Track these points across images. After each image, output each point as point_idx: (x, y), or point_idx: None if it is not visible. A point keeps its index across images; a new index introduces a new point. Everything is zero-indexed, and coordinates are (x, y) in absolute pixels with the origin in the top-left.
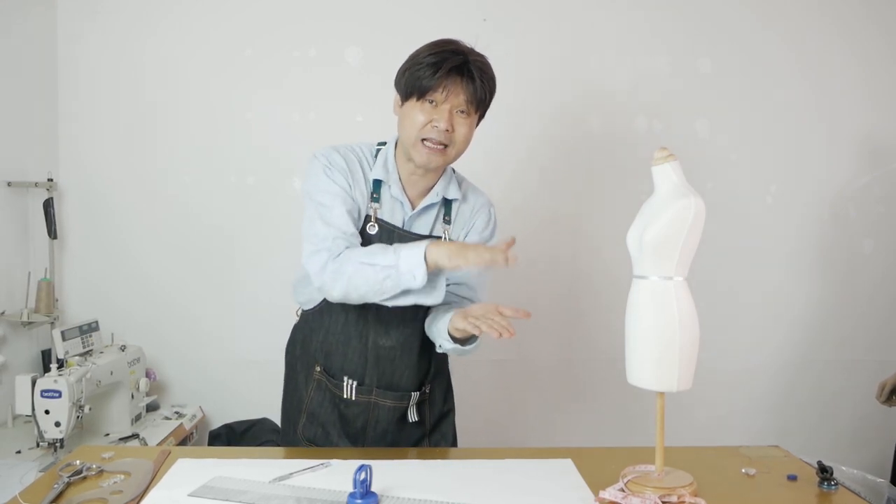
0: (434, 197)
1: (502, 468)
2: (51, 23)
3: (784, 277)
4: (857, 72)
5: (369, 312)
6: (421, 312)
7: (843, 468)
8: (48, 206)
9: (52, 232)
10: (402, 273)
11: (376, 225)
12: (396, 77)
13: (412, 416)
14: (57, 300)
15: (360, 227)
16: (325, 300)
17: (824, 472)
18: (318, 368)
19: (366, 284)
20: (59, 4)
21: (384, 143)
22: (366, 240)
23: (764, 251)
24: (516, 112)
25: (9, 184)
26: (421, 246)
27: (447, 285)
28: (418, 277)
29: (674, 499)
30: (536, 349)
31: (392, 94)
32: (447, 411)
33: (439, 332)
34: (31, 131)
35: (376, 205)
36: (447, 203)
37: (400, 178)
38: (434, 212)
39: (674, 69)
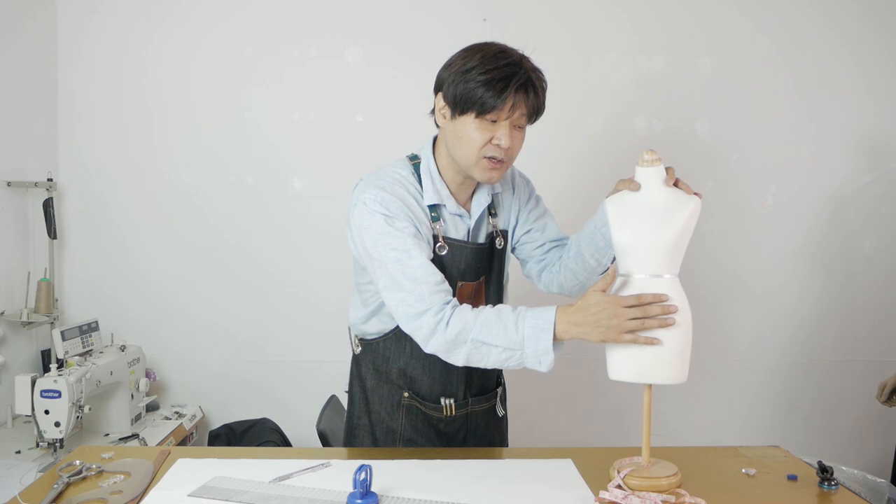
0: (486, 197)
1: (502, 468)
2: (51, 23)
3: (784, 277)
4: (857, 72)
5: None
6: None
7: (843, 468)
8: (48, 206)
9: (51, 232)
10: (527, 356)
11: (445, 245)
12: (444, 86)
13: (500, 411)
14: (57, 300)
15: (430, 254)
16: (398, 325)
17: (824, 472)
18: (406, 395)
19: (485, 363)
20: (59, 4)
21: (415, 157)
22: (437, 260)
23: (764, 251)
24: None
25: (9, 184)
26: (547, 327)
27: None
28: (545, 363)
29: (674, 499)
30: None
31: (392, 96)
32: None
33: (587, 250)
34: (31, 131)
35: (437, 224)
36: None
37: (451, 192)
38: (485, 213)
39: (674, 69)
